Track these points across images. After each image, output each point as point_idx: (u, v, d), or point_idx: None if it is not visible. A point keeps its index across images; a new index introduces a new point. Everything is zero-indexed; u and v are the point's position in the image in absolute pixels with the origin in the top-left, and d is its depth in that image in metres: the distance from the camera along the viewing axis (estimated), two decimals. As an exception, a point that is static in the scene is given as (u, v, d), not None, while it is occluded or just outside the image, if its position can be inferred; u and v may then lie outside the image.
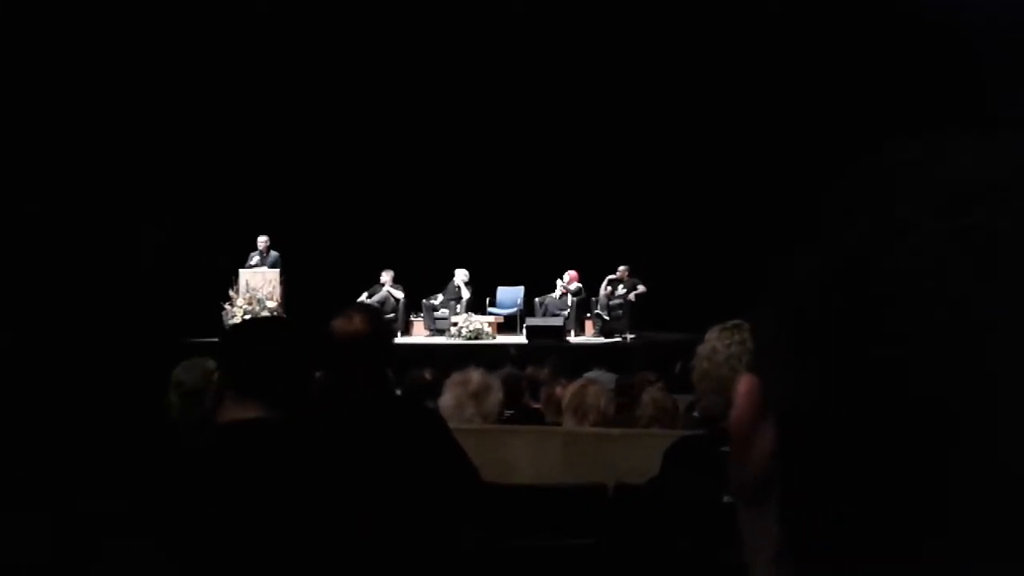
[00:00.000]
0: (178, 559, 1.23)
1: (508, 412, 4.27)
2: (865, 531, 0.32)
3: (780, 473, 0.36)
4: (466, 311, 11.55)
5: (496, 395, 3.45)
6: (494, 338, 11.24)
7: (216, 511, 1.37)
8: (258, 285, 11.00)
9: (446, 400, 3.33)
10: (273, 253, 11.34)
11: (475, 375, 3.42)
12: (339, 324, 2.06)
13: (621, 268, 11.68)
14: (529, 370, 5.99)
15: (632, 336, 11.27)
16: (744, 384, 0.38)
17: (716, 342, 1.84)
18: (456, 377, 3.45)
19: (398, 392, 3.88)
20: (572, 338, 11.29)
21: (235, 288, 10.93)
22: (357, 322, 2.08)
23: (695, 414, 4.38)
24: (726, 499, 1.63)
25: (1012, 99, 7.49)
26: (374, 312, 2.60)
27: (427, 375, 5.41)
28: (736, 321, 1.88)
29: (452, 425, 2.66)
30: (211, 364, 2.52)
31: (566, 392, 3.88)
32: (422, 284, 11.85)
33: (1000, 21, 8.51)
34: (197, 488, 1.42)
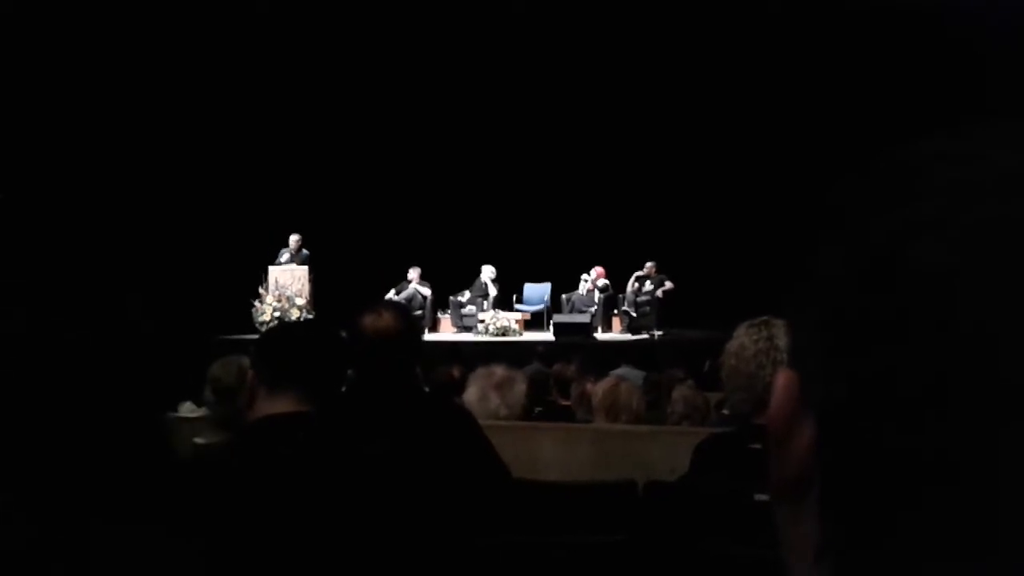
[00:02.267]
0: (213, 554, 1.24)
1: (537, 409, 4.27)
2: (906, 529, 0.32)
3: (820, 470, 0.36)
4: (493, 308, 11.56)
5: (520, 386, 3.46)
6: (521, 335, 11.23)
7: (252, 504, 1.39)
8: (287, 282, 11.08)
9: (470, 393, 3.35)
10: (304, 251, 11.41)
11: (499, 369, 3.44)
12: (369, 321, 2.07)
13: (648, 264, 11.64)
14: (556, 367, 5.98)
15: (659, 333, 11.22)
16: (782, 380, 0.38)
17: (744, 339, 1.83)
18: (480, 371, 3.47)
19: (426, 389, 3.89)
20: (599, 335, 11.26)
21: (265, 285, 11.02)
22: (387, 319, 2.08)
23: (724, 411, 4.37)
24: (757, 497, 1.62)
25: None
26: (403, 309, 2.61)
27: (455, 372, 5.43)
28: (764, 318, 1.87)
29: (478, 418, 2.67)
30: (247, 362, 2.54)
31: (597, 391, 3.86)
32: (449, 281, 11.88)
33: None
34: (234, 481, 1.43)
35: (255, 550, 1.33)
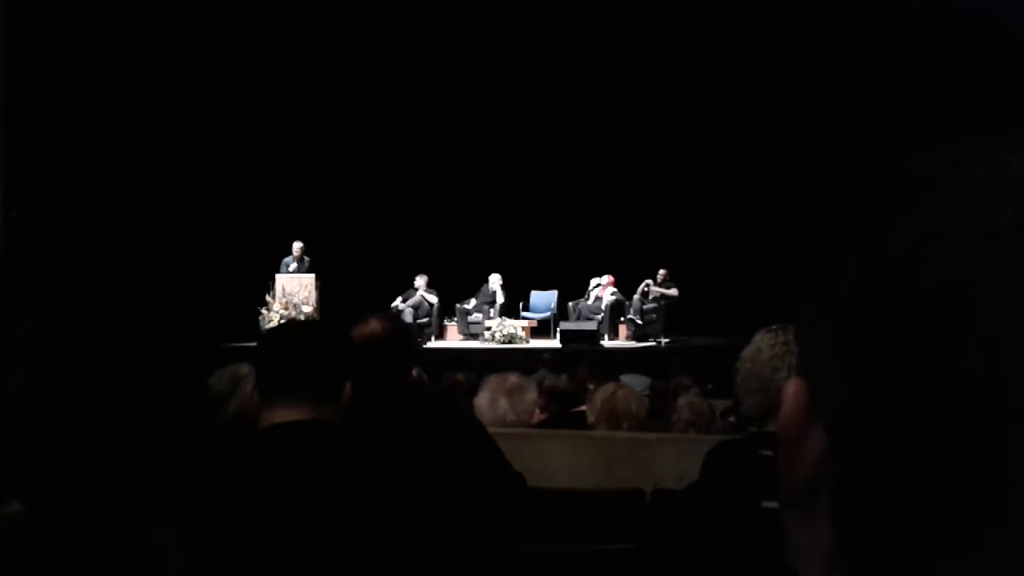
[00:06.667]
0: (230, 557, 1.24)
1: (543, 415, 4.26)
2: (918, 536, 0.32)
3: (831, 478, 0.36)
4: (500, 315, 11.58)
5: (531, 395, 3.47)
6: (527, 342, 11.24)
7: (264, 512, 1.39)
8: (294, 290, 11.10)
9: (481, 398, 3.36)
10: (307, 258, 11.44)
11: (512, 376, 3.46)
12: (357, 329, 2.09)
13: (661, 272, 11.67)
14: (563, 376, 5.97)
15: (666, 340, 11.23)
16: (792, 387, 0.38)
17: (760, 343, 1.83)
18: (493, 378, 3.47)
19: (432, 395, 3.89)
20: (606, 342, 11.27)
21: (272, 293, 11.04)
22: (373, 325, 2.10)
23: (731, 419, 4.36)
24: (765, 504, 1.62)
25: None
26: (391, 315, 2.62)
27: (460, 377, 5.45)
28: (783, 324, 1.87)
29: (487, 424, 2.67)
30: (243, 369, 2.54)
31: (596, 400, 3.85)
32: (456, 288, 11.90)
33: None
34: (246, 492, 1.43)
35: (263, 561, 1.33)
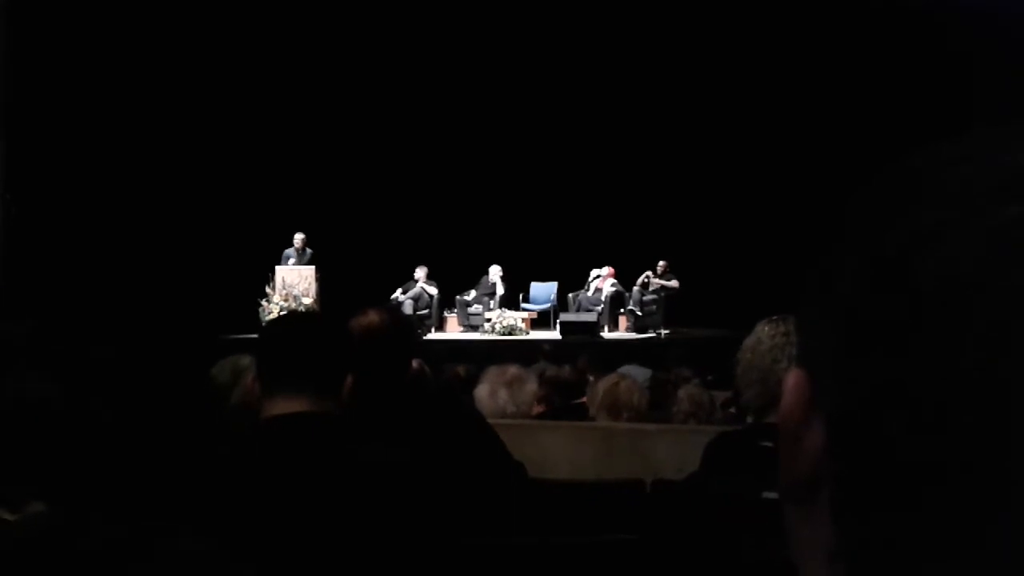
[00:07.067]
0: (237, 555, 1.25)
1: (543, 406, 4.27)
2: (918, 532, 0.32)
3: (831, 471, 0.36)
4: (500, 307, 11.57)
5: (530, 386, 3.47)
6: (527, 334, 11.25)
7: (267, 505, 1.39)
8: (294, 282, 11.10)
9: (481, 390, 3.36)
10: (308, 250, 11.43)
11: (512, 368, 3.46)
12: (355, 321, 2.09)
13: (661, 263, 11.66)
14: (564, 368, 5.98)
15: (666, 332, 11.23)
16: (792, 378, 0.38)
17: (761, 333, 1.83)
18: (493, 369, 3.48)
19: (434, 387, 3.88)
20: (606, 334, 11.27)
21: (272, 285, 11.04)
22: (372, 316, 2.10)
23: (731, 410, 4.36)
24: (765, 494, 1.62)
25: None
26: (389, 307, 2.62)
27: (460, 370, 5.46)
28: (784, 315, 1.86)
29: (487, 415, 2.68)
30: (245, 361, 2.54)
31: (598, 390, 3.86)
32: (456, 280, 11.89)
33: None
34: (248, 484, 1.43)
35: (263, 556, 1.34)
